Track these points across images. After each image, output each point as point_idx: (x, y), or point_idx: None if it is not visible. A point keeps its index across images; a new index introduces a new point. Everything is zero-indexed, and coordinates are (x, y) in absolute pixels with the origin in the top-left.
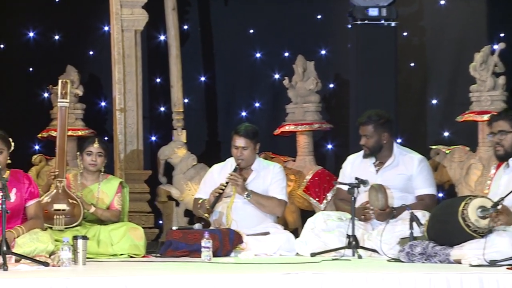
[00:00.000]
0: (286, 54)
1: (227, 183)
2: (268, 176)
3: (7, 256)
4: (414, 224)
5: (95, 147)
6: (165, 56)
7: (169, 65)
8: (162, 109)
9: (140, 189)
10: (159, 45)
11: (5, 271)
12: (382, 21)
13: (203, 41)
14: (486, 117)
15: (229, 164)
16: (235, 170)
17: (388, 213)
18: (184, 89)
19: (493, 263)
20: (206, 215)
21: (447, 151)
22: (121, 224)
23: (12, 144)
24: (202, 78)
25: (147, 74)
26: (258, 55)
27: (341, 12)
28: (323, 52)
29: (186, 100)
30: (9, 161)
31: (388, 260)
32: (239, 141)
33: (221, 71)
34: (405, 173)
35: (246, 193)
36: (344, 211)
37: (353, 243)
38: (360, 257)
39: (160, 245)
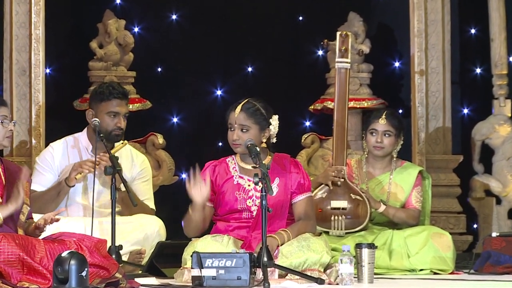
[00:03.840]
0: None
1: None
2: None
3: (269, 269)
4: None
5: (381, 123)
6: None
7: (488, 10)
8: (478, 71)
9: (447, 180)
10: None
11: None
12: None
13: None
14: None
15: None
16: None
17: None
18: (509, 43)
19: None
20: None
21: None
22: (421, 228)
23: (274, 117)
24: None
25: (457, 23)
26: None
27: None
28: None
29: None
30: (264, 145)
31: None
32: None
33: None
34: None
35: None
36: None
37: None
38: None
39: (475, 257)
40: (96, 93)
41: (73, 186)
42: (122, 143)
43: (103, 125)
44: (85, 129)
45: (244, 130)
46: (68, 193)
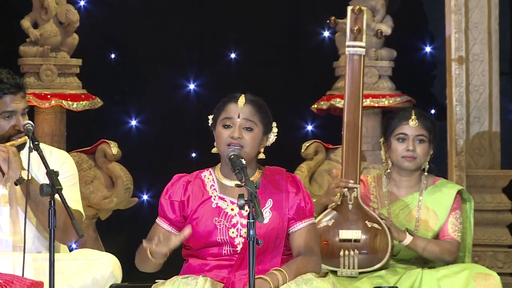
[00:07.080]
0: None
1: None
2: None
3: None
4: None
5: (412, 126)
6: None
7: None
8: None
9: (494, 203)
10: None
11: None
12: None
13: None
14: None
15: None
16: None
17: None
18: None
19: None
20: None
21: None
22: (460, 267)
23: (274, 127)
24: None
25: None
26: None
27: None
28: None
29: None
30: (262, 156)
31: None
32: None
33: None
34: None
35: None
36: None
37: None
38: None
39: None
40: None
41: None
42: (21, 138)
43: None
44: None
45: (248, 128)
46: None
